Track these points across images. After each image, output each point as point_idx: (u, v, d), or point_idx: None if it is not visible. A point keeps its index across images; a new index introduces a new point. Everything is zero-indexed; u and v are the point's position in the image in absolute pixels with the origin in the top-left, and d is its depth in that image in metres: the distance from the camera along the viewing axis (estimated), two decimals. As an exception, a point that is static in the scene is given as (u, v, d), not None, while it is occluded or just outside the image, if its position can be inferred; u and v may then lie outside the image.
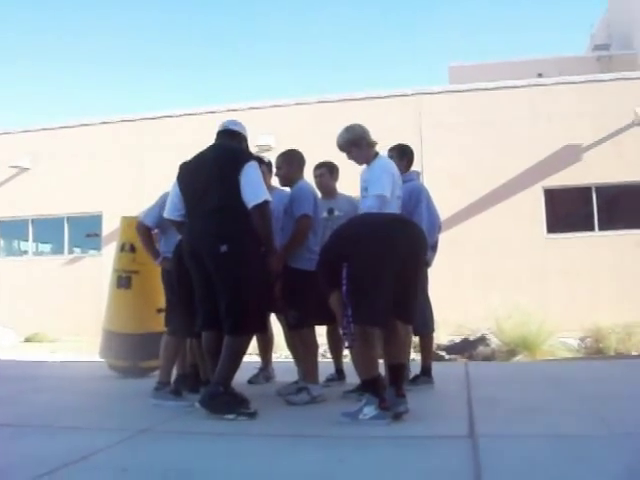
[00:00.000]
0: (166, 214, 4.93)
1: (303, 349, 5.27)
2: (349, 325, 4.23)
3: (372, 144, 4.79)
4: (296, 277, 5.04)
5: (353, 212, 5.28)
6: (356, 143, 4.76)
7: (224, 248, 4.38)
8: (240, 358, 4.52)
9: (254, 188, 4.49)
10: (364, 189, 4.62)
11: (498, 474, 3.07)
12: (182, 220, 4.81)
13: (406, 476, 3.10)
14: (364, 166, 4.79)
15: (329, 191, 5.89)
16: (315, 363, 5.27)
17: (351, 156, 4.84)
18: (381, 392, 4.18)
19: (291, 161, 5.48)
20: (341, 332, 4.43)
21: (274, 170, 5.74)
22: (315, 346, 5.33)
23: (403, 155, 5.94)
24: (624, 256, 14.49)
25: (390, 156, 5.70)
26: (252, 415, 4.39)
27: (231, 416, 4.32)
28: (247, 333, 4.59)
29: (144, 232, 5.67)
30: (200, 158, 4.79)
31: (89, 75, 70.98)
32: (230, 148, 4.77)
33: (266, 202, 4.50)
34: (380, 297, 4.17)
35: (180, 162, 4.90)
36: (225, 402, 4.36)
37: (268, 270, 4.75)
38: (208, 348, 4.66)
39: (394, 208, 4.59)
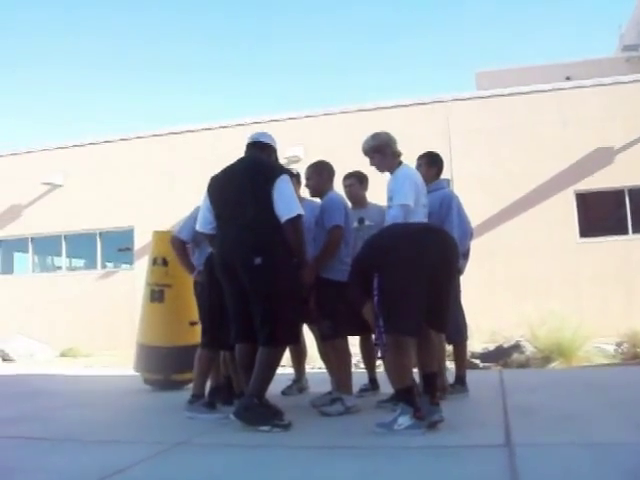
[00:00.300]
0: (198, 227, 4.96)
1: (336, 360, 5.26)
2: (381, 335, 4.21)
3: (397, 154, 4.80)
4: (328, 288, 5.04)
5: (384, 221, 5.27)
6: (380, 150, 4.78)
7: (258, 260, 4.41)
8: (274, 370, 4.54)
9: (287, 202, 4.52)
10: (389, 199, 4.63)
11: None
12: (214, 233, 4.84)
13: (443, 486, 3.08)
14: (389, 176, 4.79)
15: (359, 200, 5.89)
16: (349, 373, 5.26)
17: (373, 162, 4.85)
18: (415, 401, 4.15)
19: (321, 172, 5.49)
20: (374, 342, 4.41)
21: (303, 181, 5.75)
22: (348, 356, 5.32)
23: (432, 163, 5.92)
24: (659, 258, 14.28)
25: (419, 164, 5.71)
26: (286, 426, 4.40)
27: (266, 428, 4.33)
28: (281, 345, 4.60)
29: (179, 246, 5.73)
30: (230, 171, 4.81)
31: (120, 90, 71.81)
32: (261, 161, 4.79)
33: (299, 216, 4.52)
34: (411, 306, 4.16)
35: (210, 175, 4.94)
36: (259, 414, 4.38)
37: (301, 282, 4.77)
38: (242, 361, 4.69)
39: (420, 217, 4.57)
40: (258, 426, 4.33)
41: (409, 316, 4.16)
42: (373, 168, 4.94)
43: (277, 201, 4.50)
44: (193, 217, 5.41)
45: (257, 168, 4.70)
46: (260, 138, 4.95)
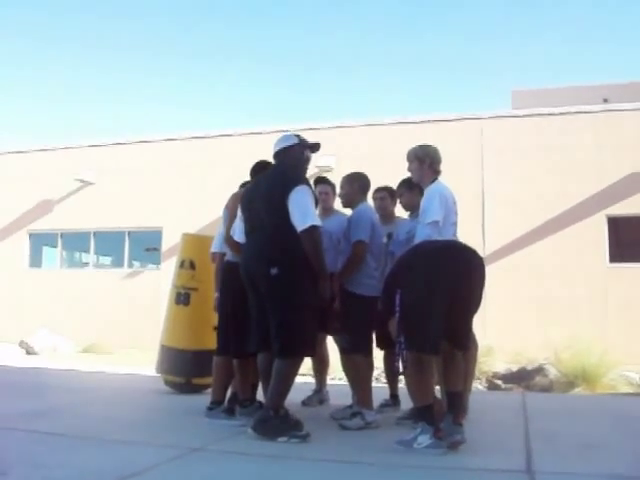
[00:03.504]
0: (237, 238, 5.00)
1: (355, 374, 5.22)
2: (402, 352, 4.19)
3: (435, 169, 4.74)
4: (353, 301, 5.03)
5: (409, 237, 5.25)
6: (420, 159, 4.74)
7: (274, 271, 4.43)
8: (290, 381, 4.51)
9: (301, 213, 4.50)
10: (419, 215, 4.60)
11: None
12: None
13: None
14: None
15: (388, 215, 5.86)
16: (369, 388, 5.23)
17: (410, 168, 4.82)
18: (436, 420, 4.11)
19: (352, 182, 5.48)
20: (395, 357, 4.38)
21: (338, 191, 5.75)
22: (369, 371, 5.30)
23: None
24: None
25: (400, 194, 5.66)
26: (305, 437, 4.38)
27: (283, 439, 4.32)
28: (295, 356, 4.55)
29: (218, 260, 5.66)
30: (258, 183, 4.90)
31: (154, 92, 72.47)
32: (282, 172, 4.77)
33: (314, 227, 4.48)
34: (432, 324, 4.13)
35: (241, 180, 4.97)
36: (276, 426, 4.37)
37: (320, 294, 4.71)
38: (263, 369, 4.68)
39: (448, 235, 4.52)
40: (275, 438, 4.32)
41: (429, 334, 4.13)
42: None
43: (292, 212, 4.51)
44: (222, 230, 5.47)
45: (275, 179, 4.72)
46: (275, 148, 4.90)
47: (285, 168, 4.82)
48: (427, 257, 4.27)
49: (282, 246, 4.52)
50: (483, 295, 4.51)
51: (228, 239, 5.27)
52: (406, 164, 4.88)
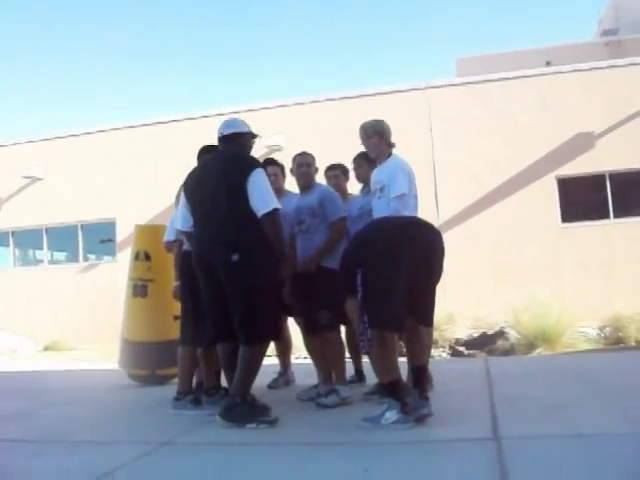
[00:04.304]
0: (179, 226, 4.92)
1: (331, 351, 5.23)
2: (366, 331, 4.20)
3: (390, 144, 4.78)
4: (329, 277, 4.93)
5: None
6: (379, 133, 4.76)
7: (235, 257, 4.36)
8: (257, 367, 4.50)
9: (262, 196, 4.46)
10: (379, 190, 4.57)
11: (524, 477, 3.04)
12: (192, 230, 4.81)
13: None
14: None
15: (342, 192, 5.86)
16: (344, 364, 5.29)
17: (369, 143, 4.80)
18: (402, 396, 4.14)
19: (315, 161, 5.52)
20: (358, 337, 4.39)
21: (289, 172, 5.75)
22: (343, 347, 5.34)
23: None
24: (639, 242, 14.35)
25: (358, 165, 5.66)
26: (273, 422, 4.37)
27: (252, 425, 4.31)
28: (262, 342, 4.53)
29: (172, 249, 5.58)
30: (205, 167, 4.80)
31: (97, 81, 71.20)
32: (234, 155, 4.71)
33: (276, 210, 4.46)
34: (396, 302, 4.14)
35: (190, 167, 4.91)
36: (244, 412, 4.34)
37: (280, 276, 4.71)
38: (225, 359, 4.65)
39: (411, 208, 4.53)
40: (243, 424, 4.30)
41: (392, 311, 4.14)
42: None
43: (252, 195, 4.44)
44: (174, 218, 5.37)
45: (230, 163, 4.63)
46: (225, 131, 4.81)
47: (237, 152, 4.75)
48: (388, 234, 4.27)
49: (241, 231, 4.44)
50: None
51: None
52: (357, 139, 4.88)
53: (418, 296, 4.29)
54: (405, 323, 4.24)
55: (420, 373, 4.40)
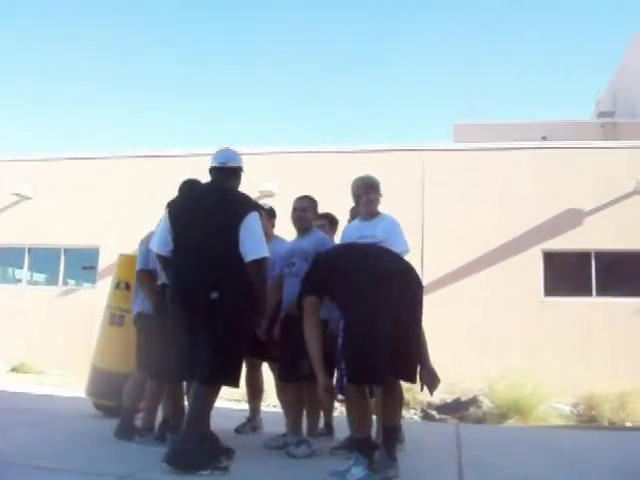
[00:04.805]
0: (155, 248, 4.73)
1: (310, 402, 5.11)
2: (342, 378, 4.13)
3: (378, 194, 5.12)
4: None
5: None
6: (378, 191, 5.07)
7: (215, 295, 4.25)
8: (210, 408, 4.32)
9: (254, 242, 4.38)
10: (385, 239, 4.77)
11: None
12: (169, 256, 4.64)
13: None
14: (356, 222, 5.12)
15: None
16: (318, 417, 5.24)
17: (373, 198, 5.04)
18: (371, 453, 4.07)
19: (315, 206, 5.49)
20: (334, 385, 4.32)
21: (276, 218, 5.75)
22: (319, 400, 5.28)
23: (334, 224, 6.06)
24: (620, 323, 14.35)
25: (322, 225, 5.71)
26: (226, 468, 4.19)
27: (205, 472, 4.10)
28: (220, 384, 4.37)
29: (147, 278, 5.42)
30: (195, 198, 4.64)
31: (95, 110, 71.60)
32: (231, 194, 4.60)
33: (264, 258, 4.38)
34: (378, 351, 4.02)
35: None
36: (196, 458, 4.12)
37: (257, 326, 4.63)
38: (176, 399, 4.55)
39: None
40: (196, 471, 4.07)
41: (376, 363, 4.03)
42: (339, 208, 5.29)
43: (244, 239, 4.35)
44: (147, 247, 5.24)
45: (227, 200, 4.52)
46: (228, 162, 4.72)
47: (235, 190, 4.67)
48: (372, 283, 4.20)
49: (224, 270, 4.33)
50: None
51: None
52: (348, 191, 4.95)
53: (400, 346, 4.12)
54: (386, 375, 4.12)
55: (391, 434, 4.31)
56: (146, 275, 5.41)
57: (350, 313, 4.17)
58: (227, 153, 4.80)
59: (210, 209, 4.47)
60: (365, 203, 5.07)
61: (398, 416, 4.48)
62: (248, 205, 4.51)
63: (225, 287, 4.30)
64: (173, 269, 4.57)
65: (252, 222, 4.41)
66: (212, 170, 4.75)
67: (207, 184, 4.75)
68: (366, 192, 5.04)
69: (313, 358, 4.37)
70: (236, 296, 4.33)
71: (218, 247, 4.37)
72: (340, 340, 4.17)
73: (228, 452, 4.39)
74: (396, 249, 4.59)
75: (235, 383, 4.44)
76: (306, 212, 5.43)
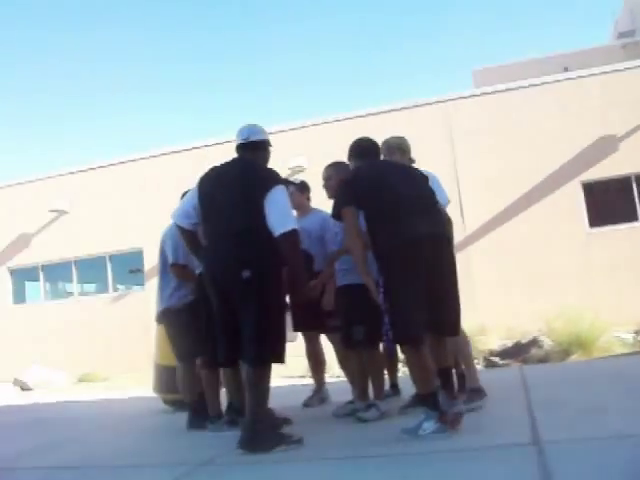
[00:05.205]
0: (176, 219, 4.72)
1: (370, 366, 5.19)
2: (387, 332, 4.21)
3: (411, 159, 5.10)
4: (355, 293, 4.82)
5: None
6: (402, 150, 5.10)
7: (247, 274, 4.17)
8: (266, 389, 4.28)
9: (281, 215, 4.27)
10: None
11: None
12: (191, 229, 4.63)
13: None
14: None
15: None
16: (383, 380, 5.31)
17: (394, 159, 5.00)
18: (439, 405, 4.11)
19: (340, 171, 5.29)
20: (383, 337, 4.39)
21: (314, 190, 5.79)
22: (382, 362, 5.35)
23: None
24: (670, 244, 14.18)
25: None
26: (300, 441, 4.22)
27: (281, 448, 4.14)
28: (267, 364, 4.30)
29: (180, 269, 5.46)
30: (223, 174, 4.56)
31: (122, 111, 72.11)
32: (256, 169, 4.51)
33: (294, 230, 4.25)
34: (412, 311, 4.08)
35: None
36: (268, 438, 4.16)
37: (305, 295, 4.59)
38: (239, 380, 4.49)
39: None
40: (271, 450, 4.11)
41: (409, 323, 4.09)
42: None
43: (270, 213, 4.24)
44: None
45: (251, 176, 4.42)
46: (252, 137, 4.65)
47: (260, 164, 4.59)
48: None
49: (254, 247, 4.24)
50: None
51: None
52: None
53: (433, 304, 4.14)
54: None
55: (446, 375, 4.36)
56: (178, 268, 5.46)
57: (385, 272, 4.20)
58: (249, 128, 4.73)
59: (234, 185, 4.40)
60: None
61: (448, 357, 4.46)
62: (272, 179, 4.40)
63: (256, 265, 4.22)
64: (205, 253, 4.54)
65: (277, 195, 4.30)
66: (237, 148, 4.70)
67: (230, 161, 4.67)
68: (384, 155, 5.06)
69: (358, 262, 4.36)
70: (268, 272, 4.26)
71: (244, 225, 4.29)
72: (381, 296, 4.20)
73: (286, 421, 4.45)
74: (441, 202, 4.66)
75: (280, 359, 4.35)
76: (330, 180, 5.41)
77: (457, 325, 4.45)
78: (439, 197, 4.63)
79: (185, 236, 4.72)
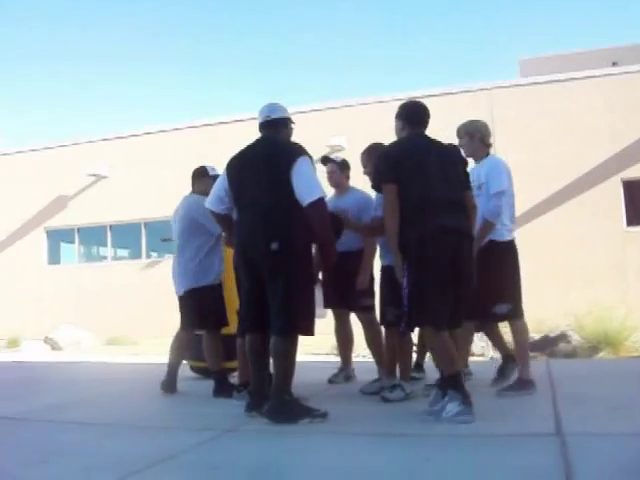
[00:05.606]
0: (209, 205, 4.81)
1: (400, 348, 5.26)
2: (405, 314, 4.29)
3: (486, 143, 5.21)
4: (390, 274, 4.81)
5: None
6: (470, 134, 5.18)
7: (275, 246, 4.24)
8: (293, 362, 4.33)
9: (308, 185, 4.32)
10: (477, 187, 4.87)
11: (590, 473, 2.99)
12: (225, 213, 4.73)
13: (495, 475, 3.05)
14: (472, 164, 5.11)
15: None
16: (410, 361, 5.42)
17: (461, 143, 5.17)
18: (464, 387, 4.14)
19: (372, 158, 5.27)
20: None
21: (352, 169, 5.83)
22: (411, 344, 5.42)
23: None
24: None
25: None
26: (325, 415, 4.29)
27: (305, 421, 4.21)
28: (297, 334, 4.37)
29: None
30: (248, 154, 4.63)
31: (163, 80, 72.43)
32: (279, 143, 4.60)
33: (321, 199, 4.31)
34: (437, 297, 4.21)
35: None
36: (293, 410, 4.24)
37: (325, 263, 4.70)
38: (255, 349, 4.51)
39: (507, 206, 5.04)
40: (297, 422, 4.18)
41: (433, 307, 4.19)
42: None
43: (297, 184, 4.31)
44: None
45: (275, 151, 4.51)
46: (272, 114, 4.70)
47: (282, 139, 4.66)
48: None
49: (282, 219, 4.33)
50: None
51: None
52: None
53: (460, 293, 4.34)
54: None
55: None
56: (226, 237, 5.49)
57: (412, 258, 4.24)
58: (270, 106, 4.79)
59: (259, 161, 4.48)
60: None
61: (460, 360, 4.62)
62: (295, 152, 4.45)
63: (284, 236, 4.29)
64: (236, 229, 4.62)
65: (303, 166, 4.35)
66: (260, 127, 4.76)
67: (254, 141, 4.75)
68: (458, 137, 5.27)
69: (391, 239, 4.40)
70: (296, 244, 4.33)
71: (272, 197, 4.37)
72: (405, 280, 4.24)
73: (305, 398, 4.51)
74: (490, 190, 4.89)
75: (309, 331, 4.40)
76: (366, 169, 5.45)
77: (459, 320, 4.48)
78: (490, 185, 4.80)
79: (220, 221, 4.88)
